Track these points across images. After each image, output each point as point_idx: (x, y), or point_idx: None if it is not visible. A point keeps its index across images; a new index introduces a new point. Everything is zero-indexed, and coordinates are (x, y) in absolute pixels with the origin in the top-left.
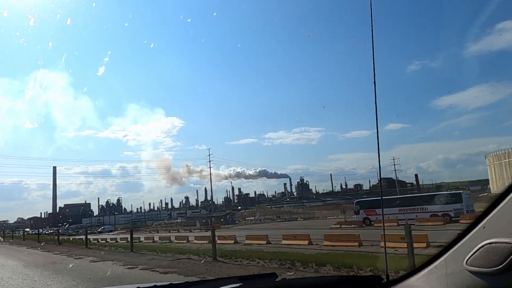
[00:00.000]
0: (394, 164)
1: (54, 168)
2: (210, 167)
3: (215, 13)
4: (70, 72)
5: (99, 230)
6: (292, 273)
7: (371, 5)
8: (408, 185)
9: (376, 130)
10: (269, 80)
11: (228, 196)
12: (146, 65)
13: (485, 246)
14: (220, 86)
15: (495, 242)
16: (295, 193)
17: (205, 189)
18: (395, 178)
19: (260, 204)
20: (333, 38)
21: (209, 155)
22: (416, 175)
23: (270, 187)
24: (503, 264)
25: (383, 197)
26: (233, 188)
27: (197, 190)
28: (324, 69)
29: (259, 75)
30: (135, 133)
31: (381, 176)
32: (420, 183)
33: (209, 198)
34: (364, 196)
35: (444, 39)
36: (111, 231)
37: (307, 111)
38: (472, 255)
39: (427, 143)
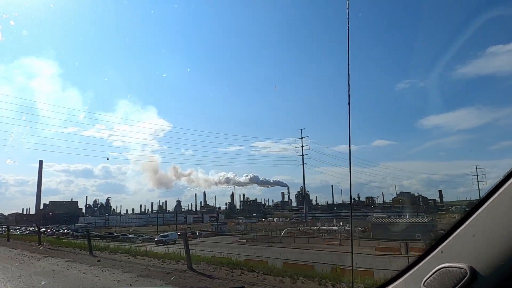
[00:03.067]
0: (477, 175)
1: (40, 162)
2: (302, 154)
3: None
4: (58, 62)
5: (156, 238)
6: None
7: (348, 21)
8: (430, 202)
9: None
10: (259, 90)
11: (232, 202)
12: (143, 66)
13: (441, 270)
14: (210, 92)
15: (450, 267)
16: (294, 203)
17: (204, 192)
18: (477, 189)
19: (283, 212)
20: (323, 53)
21: (301, 137)
22: (440, 192)
23: (254, 196)
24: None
25: None
26: (233, 194)
27: (195, 194)
28: (313, 83)
29: (250, 84)
30: (121, 134)
31: (402, 190)
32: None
33: (208, 202)
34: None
35: (434, 60)
36: (175, 241)
37: (296, 123)
38: (429, 277)
39: (412, 161)
